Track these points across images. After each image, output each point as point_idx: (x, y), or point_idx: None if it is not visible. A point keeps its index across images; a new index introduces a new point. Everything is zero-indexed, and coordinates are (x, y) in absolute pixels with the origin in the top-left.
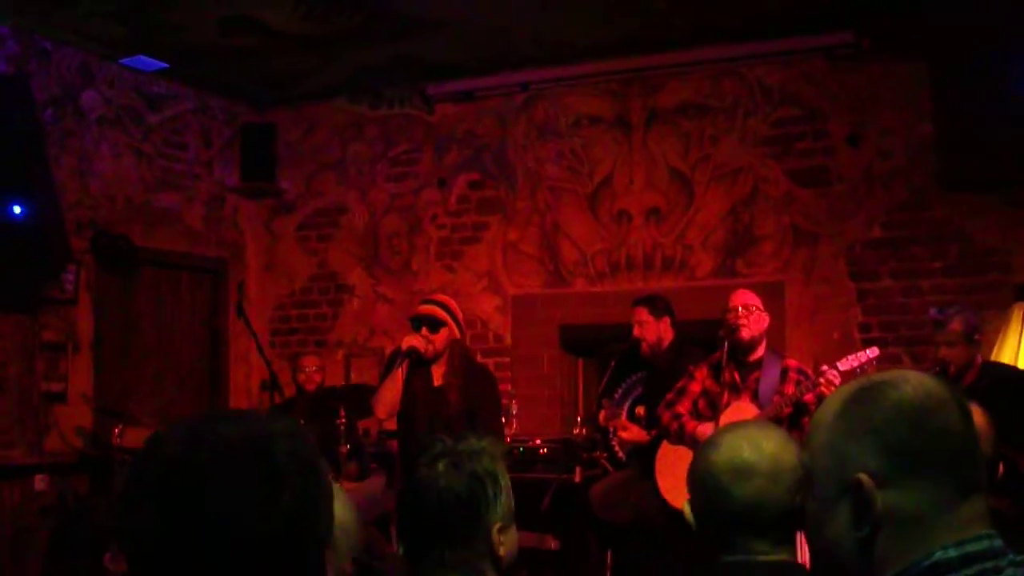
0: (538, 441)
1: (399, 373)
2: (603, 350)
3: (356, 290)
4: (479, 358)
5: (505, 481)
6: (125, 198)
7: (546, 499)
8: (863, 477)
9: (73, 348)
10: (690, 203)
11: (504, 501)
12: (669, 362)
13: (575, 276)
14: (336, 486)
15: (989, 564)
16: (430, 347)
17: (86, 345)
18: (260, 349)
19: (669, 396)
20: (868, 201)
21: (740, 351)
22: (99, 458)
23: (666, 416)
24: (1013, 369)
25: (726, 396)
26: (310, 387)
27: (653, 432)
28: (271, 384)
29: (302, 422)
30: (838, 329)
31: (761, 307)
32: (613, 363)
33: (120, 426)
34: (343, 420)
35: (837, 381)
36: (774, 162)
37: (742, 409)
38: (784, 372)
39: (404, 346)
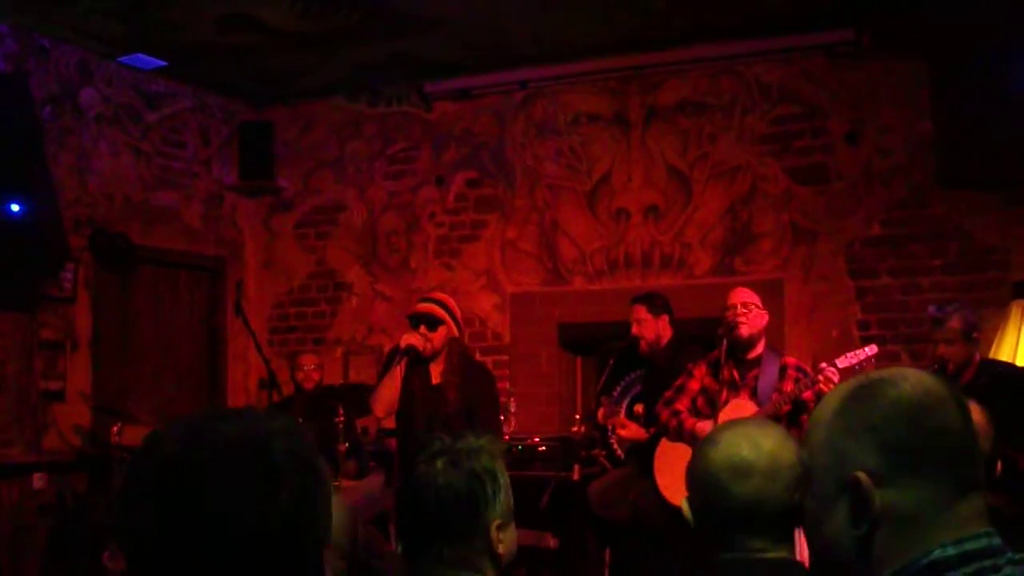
0: (536, 439)
1: (397, 371)
2: (602, 348)
3: (354, 288)
4: (478, 356)
5: (504, 479)
6: (123, 196)
7: (544, 497)
8: (861, 475)
9: (71, 346)
10: (688, 201)
11: (503, 499)
12: (668, 360)
13: (573, 274)
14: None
15: (988, 562)
16: (428, 345)
17: (84, 343)
18: (258, 347)
19: (668, 394)
20: (867, 199)
21: (739, 349)
22: (97, 456)
23: (665, 413)
24: (1011, 367)
25: (725, 394)
26: (308, 385)
27: (652, 430)
28: (269, 382)
29: (300, 420)
30: (837, 327)
31: (760, 305)
32: (612, 361)
33: (118, 424)
34: (341, 418)
35: (836, 378)
36: (773, 160)
37: (741, 407)
38: (783, 370)
39: (402, 344)
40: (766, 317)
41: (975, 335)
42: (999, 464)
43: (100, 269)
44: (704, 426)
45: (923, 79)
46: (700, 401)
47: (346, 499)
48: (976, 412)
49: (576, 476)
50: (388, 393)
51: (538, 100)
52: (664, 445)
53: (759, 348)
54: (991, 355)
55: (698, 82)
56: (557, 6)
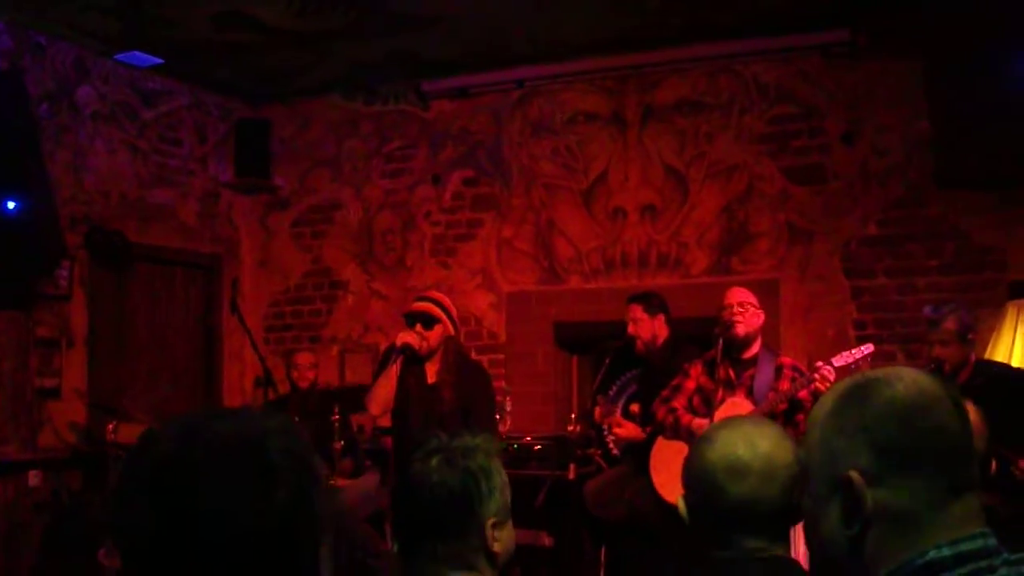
0: (532, 438)
1: (393, 370)
2: (598, 347)
3: (350, 286)
4: (473, 355)
5: (500, 478)
6: (119, 194)
7: (540, 496)
8: (853, 475)
9: (67, 344)
10: (685, 200)
11: (498, 497)
12: (664, 359)
13: (570, 273)
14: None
15: (983, 563)
16: (424, 344)
17: (80, 341)
18: (254, 345)
19: (664, 393)
20: (864, 198)
21: (735, 348)
22: (93, 454)
23: (661, 411)
24: (1007, 367)
25: (721, 393)
26: (304, 384)
27: (648, 429)
28: (265, 381)
29: (296, 419)
30: (833, 327)
31: (756, 304)
32: (608, 360)
33: (114, 422)
34: (337, 417)
35: (832, 377)
36: (769, 159)
37: (737, 405)
38: (779, 369)
39: (398, 343)
40: (762, 317)
41: (971, 336)
42: (993, 464)
43: (96, 267)
44: (701, 422)
45: (919, 79)
46: (696, 400)
47: (342, 498)
48: (971, 412)
49: (572, 475)
50: (384, 392)
51: (535, 99)
52: (660, 443)
53: (755, 348)
54: (987, 355)
55: (695, 81)
56: (553, 5)
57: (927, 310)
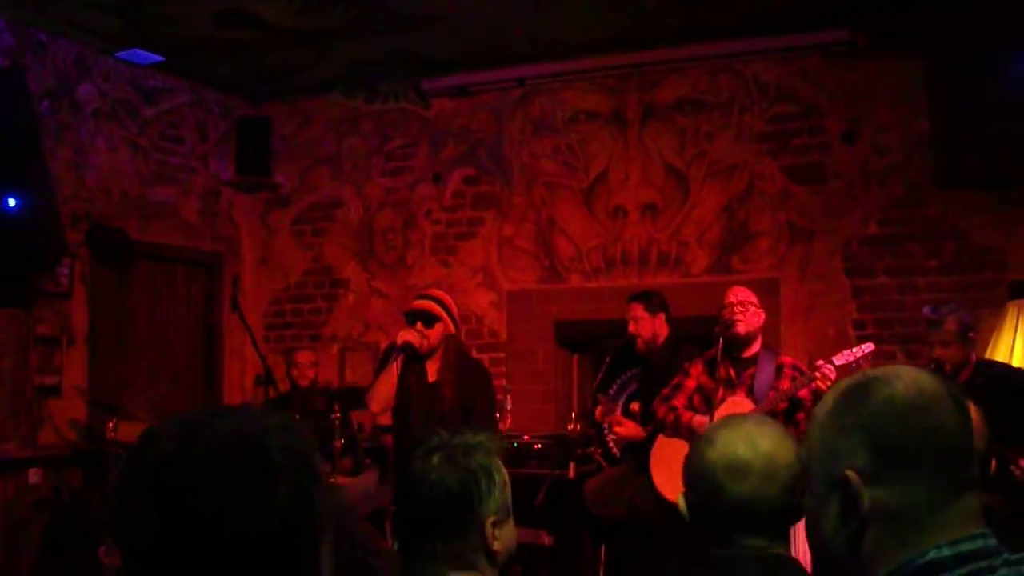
0: (531, 436)
1: (394, 368)
2: (598, 346)
3: (351, 284)
4: (474, 353)
5: (500, 476)
6: (121, 191)
7: (540, 495)
8: (850, 474)
9: (68, 341)
10: (686, 199)
11: (498, 496)
12: (664, 358)
13: (570, 272)
14: None
15: (983, 563)
16: (425, 342)
17: (81, 338)
18: (255, 343)
19: (664, 392)
20: (864, 198)
21: (735, 347)
22: (93, 452)
23: (662, 409)
24: (1008, 367)
25: (721, 392)
26: (304, 382)
27: (649, 428)
28: (265, 378)
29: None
30: (833, 326)
31: (757, 303)
32: (608, 359)
33: (114, 420)
34: (337, 415)
35: (832, 375)
36: (770, 159)
37: (737, 404)
38: (779, 368)
39: (399, 341)
40: (763, 316)
41: (971, 335)
42: (993, 463)
43: (97, 264)
44: (701, 420)
45: (919, 78)
46: (696, 399)
47: (342, 496)
48: (971, 411)
49: (572, 474)
50: (384, 390)
51: (536, 98)
52: (660, 441)
53: (755, 347)
54: (987, 355)
55: (696, 80)
56: (554, 4)
57: (927, 310)
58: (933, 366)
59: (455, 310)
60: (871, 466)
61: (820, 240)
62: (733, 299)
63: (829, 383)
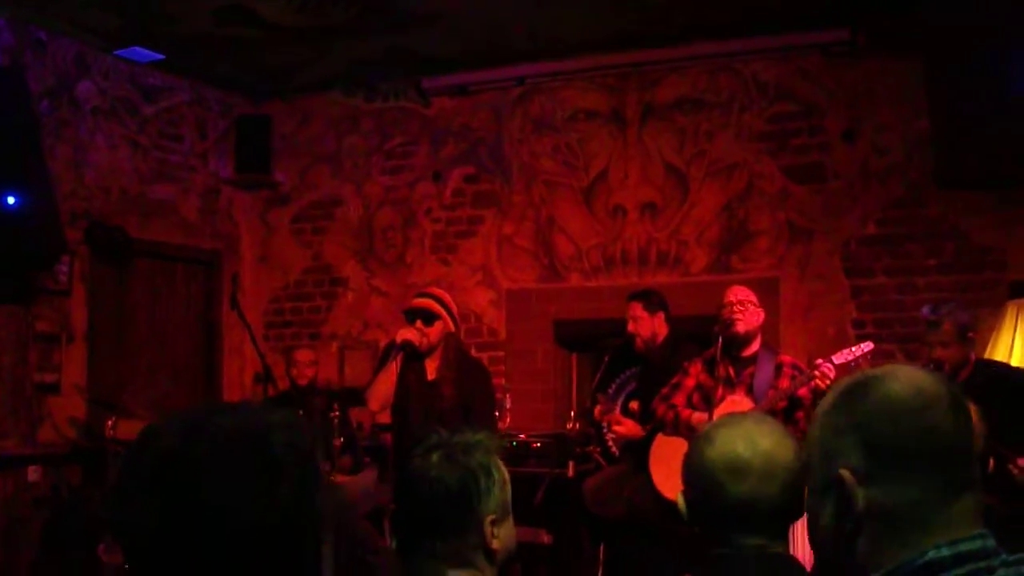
0: (530, 435)
1: (393, 366)
2: (597, 345)
3: (350, 283)
4: (473, 352)
5: (500, 474)
6: (120, 189)
7: (539, 493)
8: (844, 473)
9: (67, 339)
10: (685, 198)
11: (498, 494)
12: (663, 357)
13: (570, 271)
14: None
15: (982, 564)
16: (424, 340)
17: (80, 336)
18: (254, 341)
19: (664, 391)
20: (863, 197)
21: (735, 346)
22: (92, 449)
23: (661, 408)
24: (1007, 367)
25: (720, 391)
26: (303, 381)
27: (648, 427)
28: (265, 377)
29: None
30: (832, 326)
31: (756, 303)
32: (607, 358)
33: (113, 418)
34: (337, 413)
35: (832, 374)
36: (769, 158)
37: (737, 403)
38: (779, 368)
39: (399, 339)
40: (762, 315)
41: (970, 335)
42: (991, 461)
43: (96, 262)
44: (700, 417)
45: (919, 78)
46: (696, 398)
47: (343, 493)
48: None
49: (571, 473)
50: (383, 388)
51: (535, 96)
52: (660, 439)
53: (755, 346)
54: (987, 355)
55: (695, 79)
56: (553, 2)
57: (925, 311)
58: (932, 366)
59: (455, 308)
60: (865, 466)
61: (820, 240)
62: (732, 298)
63: (828, 381)
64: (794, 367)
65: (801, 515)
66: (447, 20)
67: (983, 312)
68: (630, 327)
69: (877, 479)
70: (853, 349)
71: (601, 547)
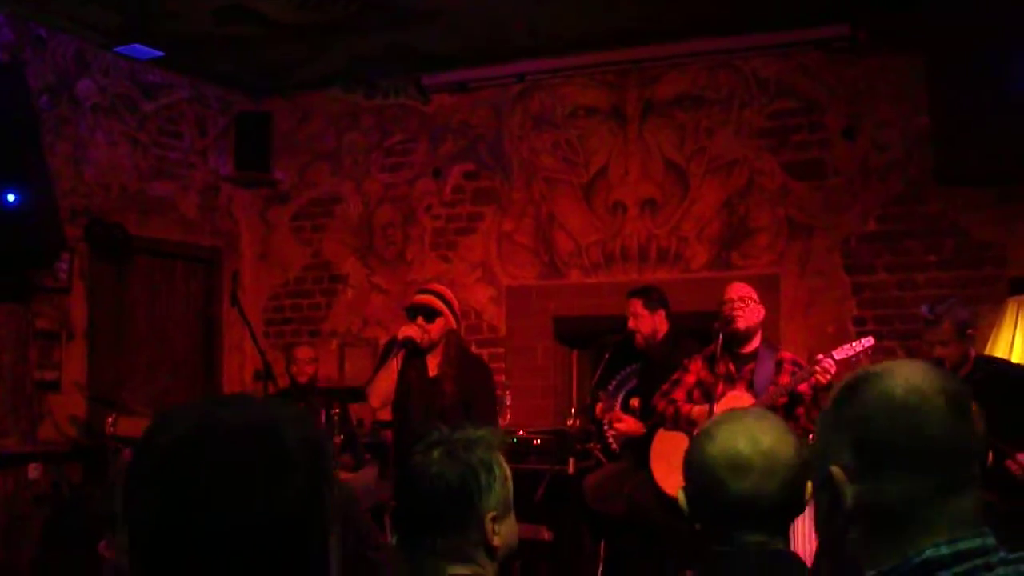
0: (530, 432)
1: (394, 363)
2: (597, 342)
3: (350, 280)
4: (473, 349)
5: (501, 471)
6: (120, 186)
7: (539, 490)
8: (835, 470)
9: (67, 336)
10: (685, 195)
11: (499, 491)
12: (663, 354)
13: (570, 267)
14: None
15: (980, 561)
16: (426, 337)
17: (80, 334)
18: (254, 339)
19: (664, 387)
20: (863, 194)
21: (735, 343)
22: (93, 447)
23: (661, 404)
24: (1007, 363)
25: (721, 387)
26: (303, 379)
27: (648, 424)
28: (265, 374)
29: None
30: (833, 322)
31: (756, 299)
32: (607, 355)
33: (113, 415)
34: (337, 411)
35: (832, 369)
36: (770, 154)
37: (737, 399)
38: (779, 364)
39: (400, 336)
40: (762, 311)
41: (969, 332)
42: (990, 455)
43: (96, 259)
44: (701, 410)
45: (920, 75)
46: (696, 394)
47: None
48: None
49: (571, 470)
50: (384, 384)
51: (535, 93)
52: (661, 434)
53: (755, 342)
54: (987, 352)
55: (695, 76)
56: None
57: (923, 310)
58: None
59: (456, 305)
60: (856, 463)
61: (820, 236)
62: (733, 295)
63: (828, 377)
64: (794, 363)
65: (802, 511)
66: (447, 17)
67: (983, 308)
68: (630, 324)
69: (868, 476)
70: (854, 344)
71: (602, 544)
